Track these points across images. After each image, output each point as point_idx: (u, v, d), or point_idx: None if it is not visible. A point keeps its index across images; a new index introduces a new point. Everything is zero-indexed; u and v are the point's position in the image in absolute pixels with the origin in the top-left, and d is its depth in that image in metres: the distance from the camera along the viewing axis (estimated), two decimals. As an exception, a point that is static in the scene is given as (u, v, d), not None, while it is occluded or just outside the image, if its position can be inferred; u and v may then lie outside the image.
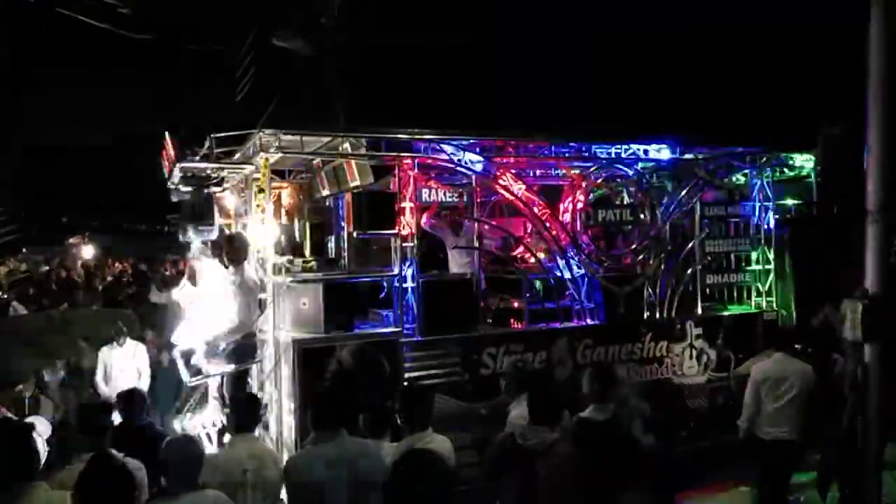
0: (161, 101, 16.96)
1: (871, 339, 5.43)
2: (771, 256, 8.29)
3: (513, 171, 7.22)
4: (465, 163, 6.87)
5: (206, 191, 6.49)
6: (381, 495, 2.47)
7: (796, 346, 6.63)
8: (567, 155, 7.65)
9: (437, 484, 2.06)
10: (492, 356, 6.59)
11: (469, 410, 6.35)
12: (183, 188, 6.69)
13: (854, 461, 5.75)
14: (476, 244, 7.20)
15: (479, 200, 7.42)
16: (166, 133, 7.05)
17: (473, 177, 7.00)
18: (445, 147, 6.74)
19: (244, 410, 4.28)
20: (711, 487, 6.62)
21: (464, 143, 6.84)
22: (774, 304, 8.26)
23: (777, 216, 8.45)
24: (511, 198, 7.20)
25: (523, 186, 7.20)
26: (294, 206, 8.65)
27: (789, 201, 9.12)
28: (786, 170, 8.58)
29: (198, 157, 6.65)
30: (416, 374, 6.26)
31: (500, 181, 7.10)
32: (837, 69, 9.37)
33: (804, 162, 8.58)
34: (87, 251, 25.10)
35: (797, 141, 8.79)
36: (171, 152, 6.77)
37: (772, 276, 8.29)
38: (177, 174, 6.74)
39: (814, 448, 6.31)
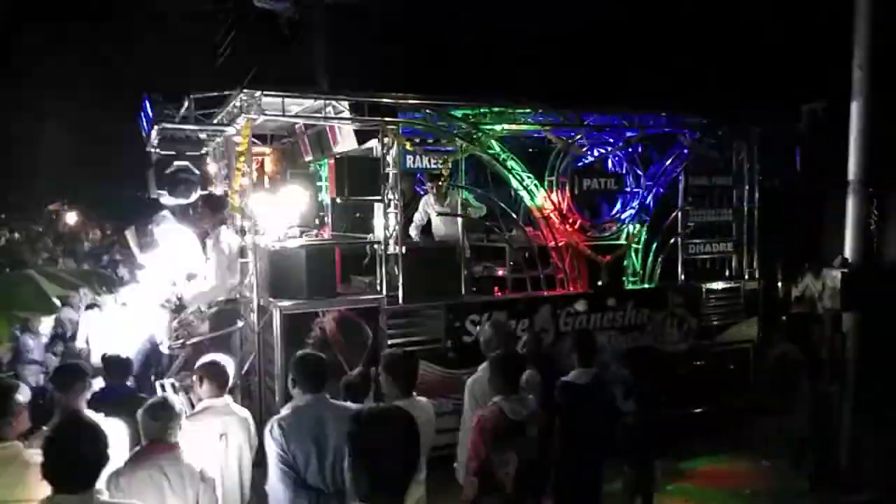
0: (139, 63, 16.57)
1: (849, 307, 5.51)
2: (755, 227, 8.33)
3: (498, 137, 7.15)
4: (450, 128, 6.79)
5: (186, 153, 6.37)
6: None
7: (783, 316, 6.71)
8: (554, 123, 7.58)
9: (397, 431, 2.04)
10: (475, 324, 6.59)
11: (451, 377, 6.38)
12: (162, 151, 6.57)
13: (827, 427, 5.86)
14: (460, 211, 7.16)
15: (463, 168, 7.35)
16: (145, 94, 6.89)
17: (458, 143, 6.92)
18: (430, 112, 6.65)
19: (215, 375, 4.22)
20: (691, 455, 6.73)
21: (449, 108, 6.75)
22: (756, 274, 8.33)
23: (761, 187, 8.47)
24: (496, 165, 7.15)
25: (509, 154, 7.15)
26: (276, 172, 8.53)
27: (773, 172, 9.14)
28: (770, 141, 8.58)
29: (177, 119, 6.52)
30: (398, 340, 6.24)
31: (486, 148, 7.04)
32: (821, 45, 9.31)
33: (788, 134, 8.59)
34: (69, 218, 24.73)
35: (782, 114, 8.79)
36: (150, 113, 6.63)
37: (755, 246, 8.34)
38: (154, 136, 6.62)
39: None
